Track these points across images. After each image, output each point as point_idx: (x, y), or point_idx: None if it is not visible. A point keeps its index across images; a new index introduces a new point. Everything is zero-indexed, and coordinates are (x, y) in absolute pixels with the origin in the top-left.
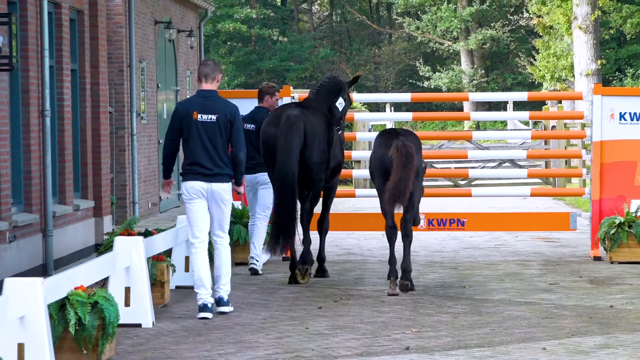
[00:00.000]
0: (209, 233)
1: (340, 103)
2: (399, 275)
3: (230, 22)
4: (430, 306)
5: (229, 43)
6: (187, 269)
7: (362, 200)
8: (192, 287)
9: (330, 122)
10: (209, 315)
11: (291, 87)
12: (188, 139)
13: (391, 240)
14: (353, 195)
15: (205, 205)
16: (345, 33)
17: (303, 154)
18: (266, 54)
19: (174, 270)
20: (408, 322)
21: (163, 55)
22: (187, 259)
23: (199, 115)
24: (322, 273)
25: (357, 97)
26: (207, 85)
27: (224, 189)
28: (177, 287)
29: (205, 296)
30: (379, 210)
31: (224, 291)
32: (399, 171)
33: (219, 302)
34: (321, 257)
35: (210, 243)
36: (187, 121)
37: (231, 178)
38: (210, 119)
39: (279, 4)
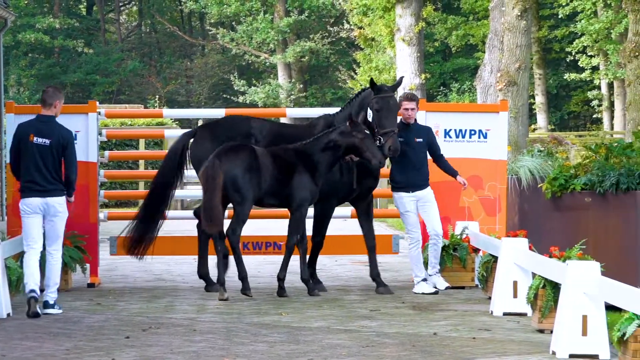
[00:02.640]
0: (44, 247)
1: (368, 114)
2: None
3: (32, 33)
4: (244, 335)
5: (30, 55)
6: None
7: (173, 222)
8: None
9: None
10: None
11: (97, 102)
12: (24, 159)
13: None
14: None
15: (41, 219)
16: (155, 45)
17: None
18: (70, 67)
19: None
20: (221, 352)
21: None
22: None
23: (35, 138)
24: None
25: (167, 112)
26: (45, 111)
27: (59, 202)
28: None
29: (33, 288)
30: (190, 234)
31: (51, 297)
32: (204, 194)
33: (45, 305)
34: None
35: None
36: (24, 142)
37: (64, 192)
38: (45, 142)
39: (84, 13)
